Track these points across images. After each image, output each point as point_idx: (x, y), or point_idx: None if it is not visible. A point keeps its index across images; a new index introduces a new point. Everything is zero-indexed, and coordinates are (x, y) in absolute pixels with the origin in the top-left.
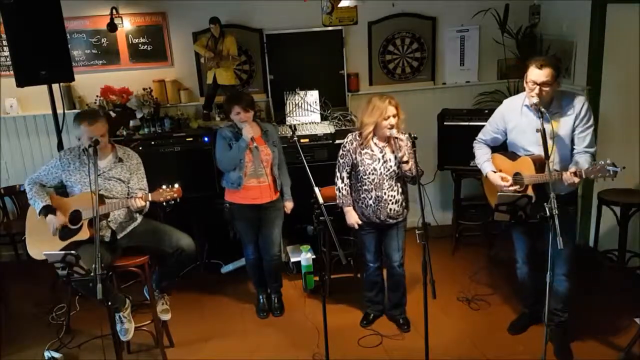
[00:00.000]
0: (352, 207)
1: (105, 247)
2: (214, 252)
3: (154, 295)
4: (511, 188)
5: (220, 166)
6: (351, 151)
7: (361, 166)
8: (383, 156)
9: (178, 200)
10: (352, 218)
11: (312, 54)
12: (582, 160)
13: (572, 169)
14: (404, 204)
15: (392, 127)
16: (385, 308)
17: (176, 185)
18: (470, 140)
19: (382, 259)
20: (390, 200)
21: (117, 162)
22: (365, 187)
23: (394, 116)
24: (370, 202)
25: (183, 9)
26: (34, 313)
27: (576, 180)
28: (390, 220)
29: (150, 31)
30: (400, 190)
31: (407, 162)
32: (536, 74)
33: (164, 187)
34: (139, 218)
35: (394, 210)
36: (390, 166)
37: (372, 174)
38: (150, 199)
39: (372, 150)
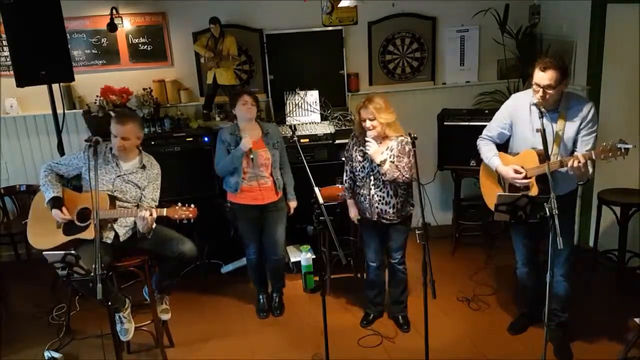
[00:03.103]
0: (353, 201)
1: (106, 248)
2: (214, 252)
3: (154, 295)
4: (524, 181)
5: (216, 169)
6: (350, 147)
7: (355, 162)
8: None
9: (192, 221)
10: (352, 212)
11: (312, 54)
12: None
13: (577, 153)
14: (398, 206)
15: (367, 130)
16: (386, 306)
17: (192, 206)
18: (470, 140)
19: (382, 259)
20: (380, 200)
21: (140, 168)
22: (358, 183)
23: (370, 120)
24: (362, 199)
25: (183, 9)
26: (34, 313)
27: (581, 162)
28: (384, 221)
29: (150, 31)
30: (391, 192)
31: (380, 164)
32: (539, 77)
33: (179, 204)
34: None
35: (384, 211)
36: (375, 166)
37: (361, 171)
38: (165, 214)
39: (365, 148)
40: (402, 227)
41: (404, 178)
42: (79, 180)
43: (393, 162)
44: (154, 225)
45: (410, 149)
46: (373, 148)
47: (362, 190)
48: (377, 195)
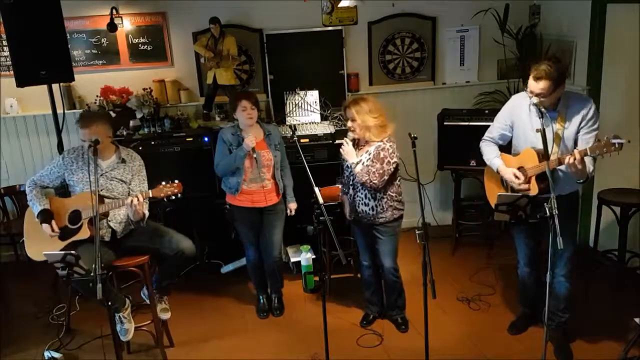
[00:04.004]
0: (346, 197)
1: (105, 247)
2: (214, 252)
3: (154, 295)
4: (522, 187)
5: (216, 170)
6: None
7: (343, 162)
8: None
9: (179, 195)
10: (345, 208)
11: (312, 54)
12: (586, 161)
13: (575, 150)
14: (377, 209)
15: (351, 130)
16: (384, 308)
17: (176, 181)
18: (470, 140)
19: (373, 258)
20: (360, 201)
21: (120, 162)
22: (345, 181)
23: (352, 120)
24: (347, 197)
25: (183, 9)
26: (34, 313)
27: (577, 159)
28: (365, 221)
29: (150, 31)
30: (369, 195)
31: (351, 165)
32: (532, 85)
33: (163, 183)
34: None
35: (365, 212)
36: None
37: (346, 170)
38: (151, 195)
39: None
40: (387, 231)
41: (371, 183)
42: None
43: (367, 166)
44: (147, 213)
45: (385, 155)
46: (346, 148)
47: (345, 189)
48: (358, 196)
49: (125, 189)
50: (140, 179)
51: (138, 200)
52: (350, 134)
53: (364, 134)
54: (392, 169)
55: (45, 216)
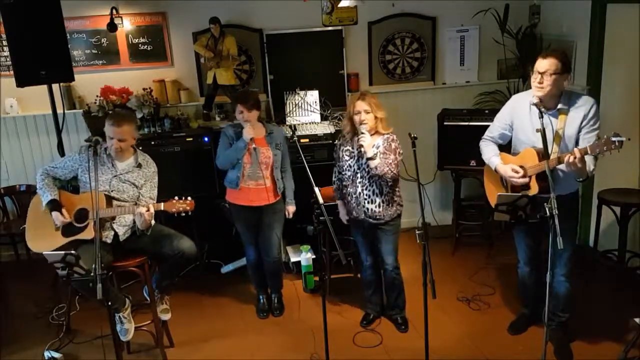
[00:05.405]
0: (342, 202)
1: (106, 248)
2: (214, 252)
3: (154, 295)
4: (521, 180)
5: (217, 163)
6: (337, 147)
7: (341, 162)
8: (359, 153)
9: (190, 213)
10: (341, 213)
11: (312, 54)
12: (587, 160)
13: (575, 149)
14: (384, 205)
15: (361, 123)
16: (384, 308)
17: (189, 198)
18: (470, 140)
19: (375, 258)
20: (366, 199)
21: (136, 167)
22: (345, 182)
23: (366, 112)
24: (349, 198)
25: (183, 9)
26: (34, 313)
27: (577, 158)
28: (371, 220)
29: (150, 31)
30: (377, 190)
31: (371, 158)
32: (539, 64)
33: (176, 198)
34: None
35: (371, 210)
36: (362, 164)
37: (348, 170)
38: (162, 208)
39: (352, 147)
40: (390, 229)
41: (392, 174)
42: (77, 181)
43: (382, 159)
44: (153, 222)
45: (396, 146)
46: (368, 140)
47: (349, 189)
48: (364, 194)
49: (136, 193)
50: (152, 185)
51: (148, 211)
52: (364, 126)
53: (377, 126)
54: (401, 160)
55: (55, 205)
